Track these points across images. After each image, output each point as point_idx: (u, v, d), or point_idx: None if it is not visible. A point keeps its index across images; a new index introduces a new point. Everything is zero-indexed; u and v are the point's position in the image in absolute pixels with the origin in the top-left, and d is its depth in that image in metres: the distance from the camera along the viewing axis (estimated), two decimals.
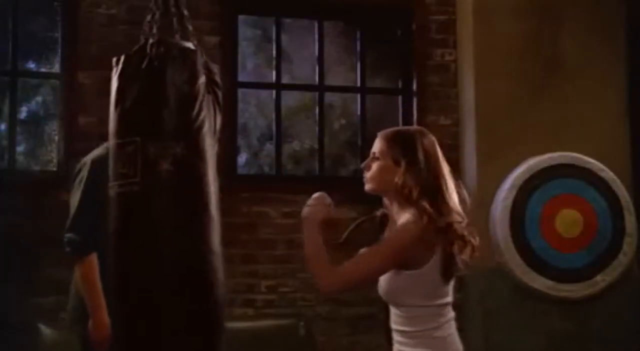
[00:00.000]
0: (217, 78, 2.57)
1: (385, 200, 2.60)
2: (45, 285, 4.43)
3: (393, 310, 2.52)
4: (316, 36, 5.18)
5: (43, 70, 4.89)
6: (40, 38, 4.82)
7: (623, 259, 4.86)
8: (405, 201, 2.47)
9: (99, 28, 4.68)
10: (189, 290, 2.39)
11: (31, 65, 4.92)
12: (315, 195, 2.55)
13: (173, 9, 2.56)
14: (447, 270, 2.43)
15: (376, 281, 2.50)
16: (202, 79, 2.46)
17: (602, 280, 4.81)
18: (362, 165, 2.61)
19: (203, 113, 2.44)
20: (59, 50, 4.73)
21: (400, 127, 2.61)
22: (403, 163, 2.48)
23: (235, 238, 4.68)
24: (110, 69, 2.43)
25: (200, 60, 2.48)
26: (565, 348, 4.76)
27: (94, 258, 3.18)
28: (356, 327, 4.71)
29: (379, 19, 5.30)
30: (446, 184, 2.49)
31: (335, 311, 4.82)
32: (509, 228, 4.74)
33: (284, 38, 5.17)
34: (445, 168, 2.52)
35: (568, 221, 4.82)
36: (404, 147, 2.51)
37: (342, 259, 2.59)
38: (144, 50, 2.43)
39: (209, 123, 2.48)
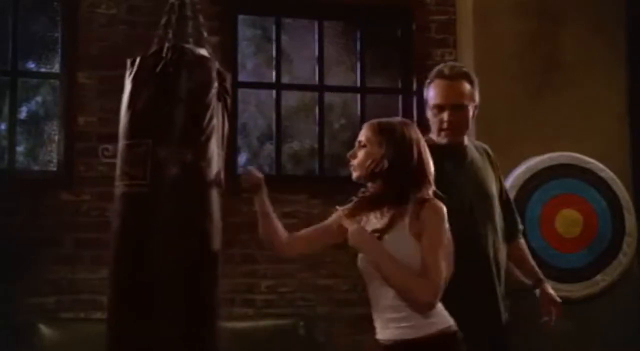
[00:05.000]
0: (228, 85, 2.59)
1: (371, 187, 2.66)
2: (45, 285, 4.44)
3: (380, 287, 2.58)
4: (316, 36, 5.18)
5: (43, 70, 4.88)
6: (40, 38, 4.81)
7: (623, 259, 4.86)
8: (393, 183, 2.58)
9: (99, 28, 4.68)
10: (186, 293, 2.40)
11: (31, 65, 4.91)
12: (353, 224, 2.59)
13: (190, 14, 2.58)
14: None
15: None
16: (215, 87, 2.47)
17: (602, 280, 4.81)
18: (349, 153, 2.67)
19: (214, 121, 2.46)
20: (59, 50, 4.73)
21: (385, 118, 2.72)
22: (389, 149, 2.58)
23: (235, 238, 4.67)
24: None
25: (215, 67, 2.50)
26: (565, 348, 4.76)
27: None
28: (356, 327, 4.70)
29: (379, 19, 5.30)
30: (430, 171, 2.63)
31: (335, 311, 4.82)
32: None
33: (284, 38, 5.17)
34: (429, 159, 2.65)
35: (568, 221, 4.82)
36: (389, 133, 2.61)
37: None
38: (159, 54, 2.44)
39: (218, 130, 2.50)
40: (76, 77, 4.63)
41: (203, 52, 2.53)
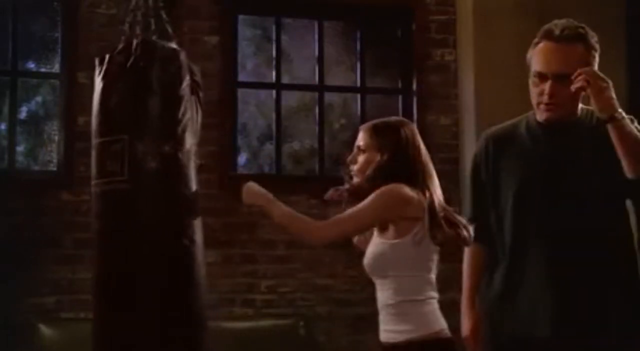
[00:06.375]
0: (199, 79, 2.60)
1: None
2: (45, 285, 4.44)
3: (378, 287, 2.56)
4: (316, 36, 5.18)
5: (43, 70, 4.89)
6: (40, 38, 4.82)
7: None
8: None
9: (99, 28, 4.68)
10: (174, 287, 2.40)
11: (31, 65, 4.92)
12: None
13: (152, 12, 2.59)
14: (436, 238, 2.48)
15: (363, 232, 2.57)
16: (187, 79, 2.49)
17: None
18: (348, 159, 2.64)
19: (189, 113, 2.47)
20: (59, 50, 4.74)
21: (381, 119, 2.67)
22: (387, 152, 2.54)
23: (235, 238, 4.68)
24: None
25: (185, 61, 2.51)
26: None
27: (477, 250, 2.68)
28: (356, 327, 4.71)
29: (379, 19, 5.30)
30: (429, 169, 2.58)
31: (335, 312, 4.82)
32: None
33: (284, 38, 5.17)
34: (427, 156, 2.60)
35: None
36: (386, 136, 2.58)
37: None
38: (128, 49, 2.45)
39: (193, 123, 2.51)
40: (76, 77, 4.63)
41: (173, 45, 2.53)
